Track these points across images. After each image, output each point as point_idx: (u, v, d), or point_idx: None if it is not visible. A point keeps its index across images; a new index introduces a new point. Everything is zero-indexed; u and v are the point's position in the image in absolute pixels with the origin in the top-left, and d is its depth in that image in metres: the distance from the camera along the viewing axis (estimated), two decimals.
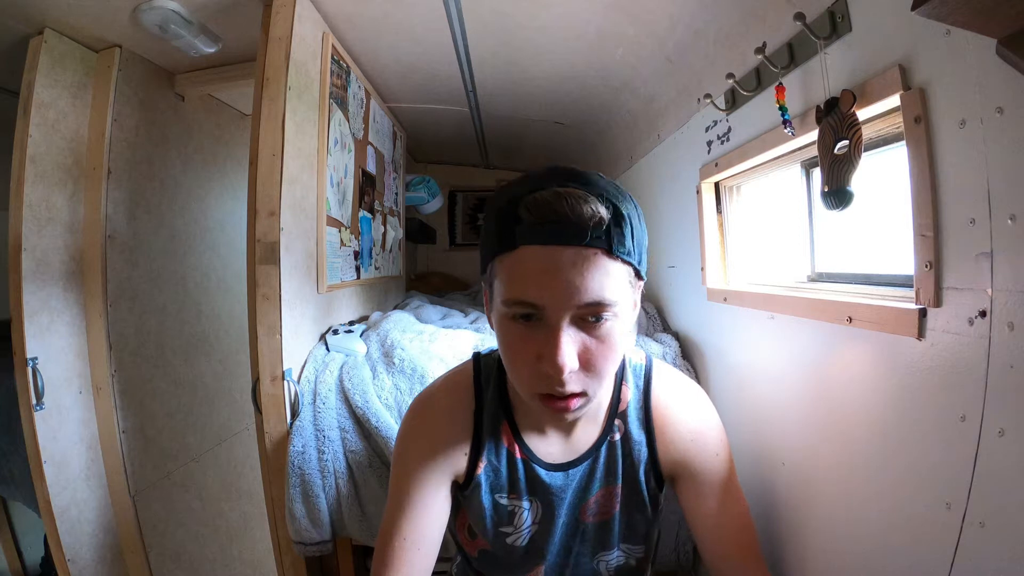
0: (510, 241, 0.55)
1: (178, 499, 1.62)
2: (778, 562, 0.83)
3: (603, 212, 0.54)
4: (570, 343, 0.54)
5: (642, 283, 0.60)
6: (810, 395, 0.79)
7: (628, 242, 0.55)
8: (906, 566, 0.59)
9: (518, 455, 0.70)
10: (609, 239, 0.54)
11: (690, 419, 0.73)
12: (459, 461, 0.70)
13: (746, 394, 0.98)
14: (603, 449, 0.71)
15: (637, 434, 0.71)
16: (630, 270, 0.57)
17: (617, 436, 0.71)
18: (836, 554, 0.72)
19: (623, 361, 0.73)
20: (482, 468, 0.70)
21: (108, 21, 1.26)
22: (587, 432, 0.71)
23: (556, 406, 0.57)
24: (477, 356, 0.77)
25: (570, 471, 0.70)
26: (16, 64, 1.25)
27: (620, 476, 0.71)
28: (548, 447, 0.71)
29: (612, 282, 0.54)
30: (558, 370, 0.54)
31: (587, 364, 0.56)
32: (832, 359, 0.73)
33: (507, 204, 0.56)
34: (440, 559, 0.71)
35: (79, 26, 1.28)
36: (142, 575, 1.44)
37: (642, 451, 0.71)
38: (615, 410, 0.71)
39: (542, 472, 0.70)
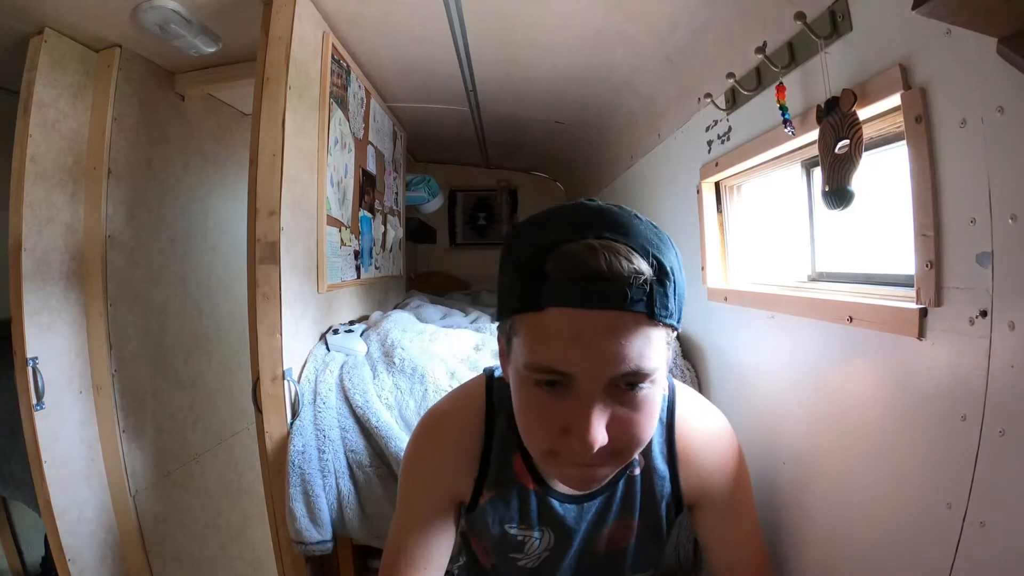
0: (534, 301, 0.48)
1: (178, 499, 1.61)
2: (778, 561, 0.83)
3: (645, 269, 0.47)
4: (601, 417, 0.48)
5: (676, 333, 0.53)
6: (810, 394, 0.79)
7: (671, 303, 0.48)
8: (906, 565, 0.59)
9: (531, 487, 0.68)
10: (651, 302, 0.47)
11: (715, 451, 0.71)
12: (464, 488, 0.69)
13: (746, 393, 0.98)
14: (620, 484, 0.68)
15: (661, 468, 0.69)
16: (670, 330, 0.51)
17: (637, 471, 0.68)
18: (836, 553, 0.72)
19: None
20: (487, 499, 0.68)
21: (108, 21, 1.26)
22: None
23: (574, 475, 0.53)
24: (490, 379, 0.71)
25: (585, 504, 0.68)
26: (16, 64, 1.25)
27: (638, 509, 0.69)
28: None
29: (652, 350, 0.48)
30: (587, 448, 0.47)
31: (618, 437, 0.49)
32: (832, 359, 0.73)
33: (531, 256, 0.48)
34: None
35: (79, 26, 1.28)
36: (142, 575, 1.44)
37: (665, 484, 0.69)
38: None
39: (556, 504, 0.68)
